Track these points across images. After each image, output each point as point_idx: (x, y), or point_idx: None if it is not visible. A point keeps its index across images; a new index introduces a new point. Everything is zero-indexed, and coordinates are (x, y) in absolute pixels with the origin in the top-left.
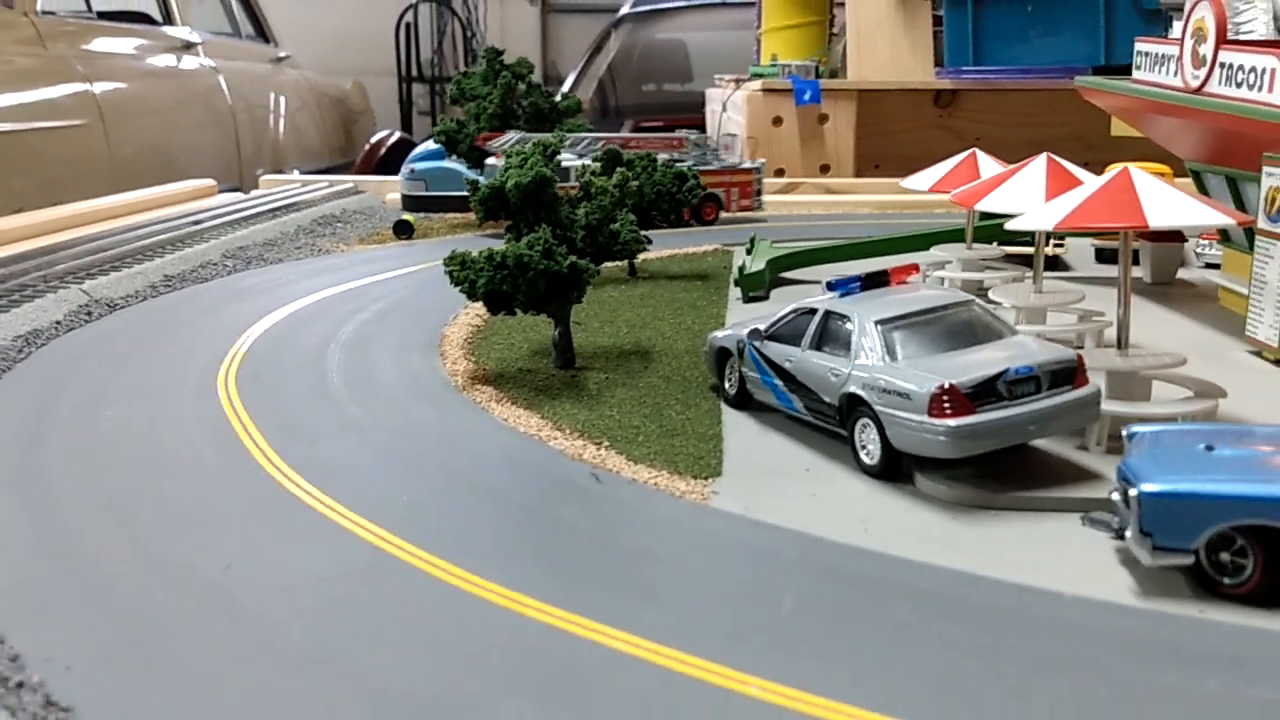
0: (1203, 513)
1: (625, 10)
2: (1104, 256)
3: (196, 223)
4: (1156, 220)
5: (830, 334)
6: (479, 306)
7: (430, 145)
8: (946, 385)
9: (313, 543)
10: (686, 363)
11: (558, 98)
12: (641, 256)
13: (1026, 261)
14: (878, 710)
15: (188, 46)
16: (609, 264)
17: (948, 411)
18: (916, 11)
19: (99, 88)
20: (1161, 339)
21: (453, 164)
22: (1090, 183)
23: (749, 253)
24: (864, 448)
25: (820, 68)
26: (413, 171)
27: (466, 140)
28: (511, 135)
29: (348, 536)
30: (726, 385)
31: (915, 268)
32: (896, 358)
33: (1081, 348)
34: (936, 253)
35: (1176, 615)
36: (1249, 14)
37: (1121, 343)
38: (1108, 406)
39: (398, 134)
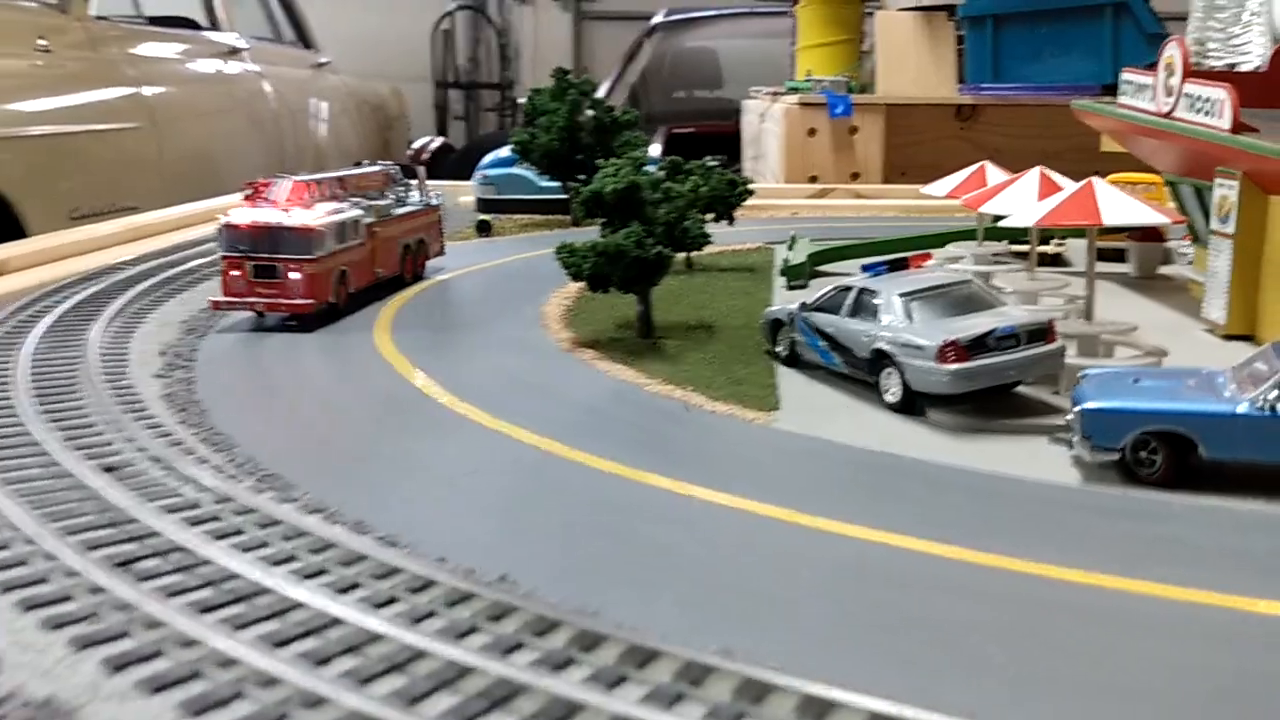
0: (1126, 422)
1: (658, 19)
2: (1102, 255)
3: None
4: (1109, 219)
5: (863, 305)
6: (564, 290)
7: (501, 153)
8: (950, 340)
9: (488, 446)
10: (744, 335)
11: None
12: (697, 252)
13: (1023, 258)
14: (897, 531)
15: (233, 52)
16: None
17: (950, 359)
18: (941, 32)
19: (150, 91)
20: (1134, 318)
21: (522, 170)
22: (1066, 190)
23: (790, 249)
24: (888, 390)
25: (851, 83)
26: (485, 177)
27: (537, 150)
28: None
29: (515, 444)
30: (779, 349)
31: (929, 255)
32: (913, 321)
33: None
34: (952, 249)
35: (1107, 492)
36: (1245, 36)
37: (1088, 314)
38: (1071, 359)
39: (440, 140)
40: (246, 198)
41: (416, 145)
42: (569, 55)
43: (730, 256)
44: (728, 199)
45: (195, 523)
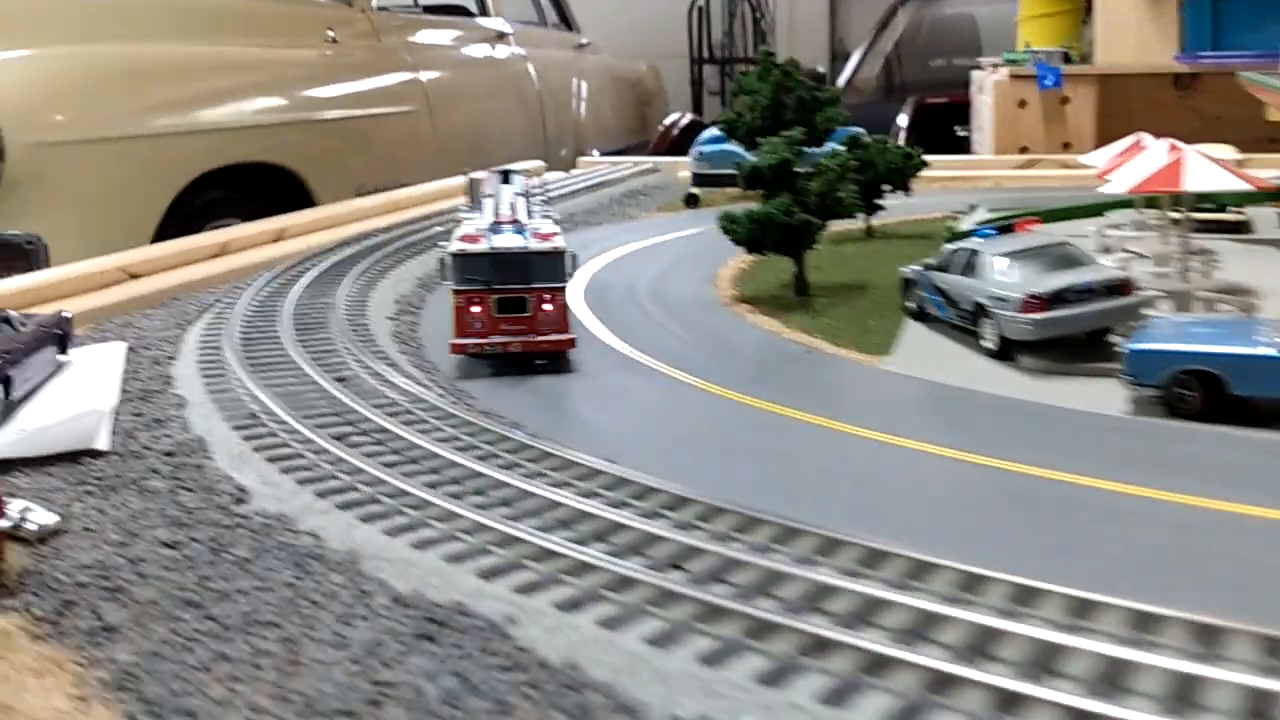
0: (1164, 361)
1: None
2: (1224, 227)
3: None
4: (1190, 186)
5: (971, 265)
6: (744, 256)
7: (713, 131)
8: (1032, 293)
9: (650, 382)
10: (890, 294)
11: (820, 92)
12: (880, 220)
13: (1206, 225)
14: (971, 451)
15: (500, 36)
16: (852, 225)
17: (1033, 309)
18: (1162, 1)
19: (425, 76)
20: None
21: (732, 147)
22: (1158, 159)
23: (966, 218)
24: (986, 338)
25: (1071, 53)
26: (700, 154)
27: (743, 128)
28: None
29: (671, 381)
30: (909, 304)
31: (1037, 220)
32: (1007, 277)
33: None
34: (1114, 216)
35: (1154, 422)
36: None
37: (1184, 275)
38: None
39: (689, 117)
40: (465, 237)
41: (666, 122)
42: (824, 26)
43: (912, 225)
44: (903, 170)
45: (392, 414)
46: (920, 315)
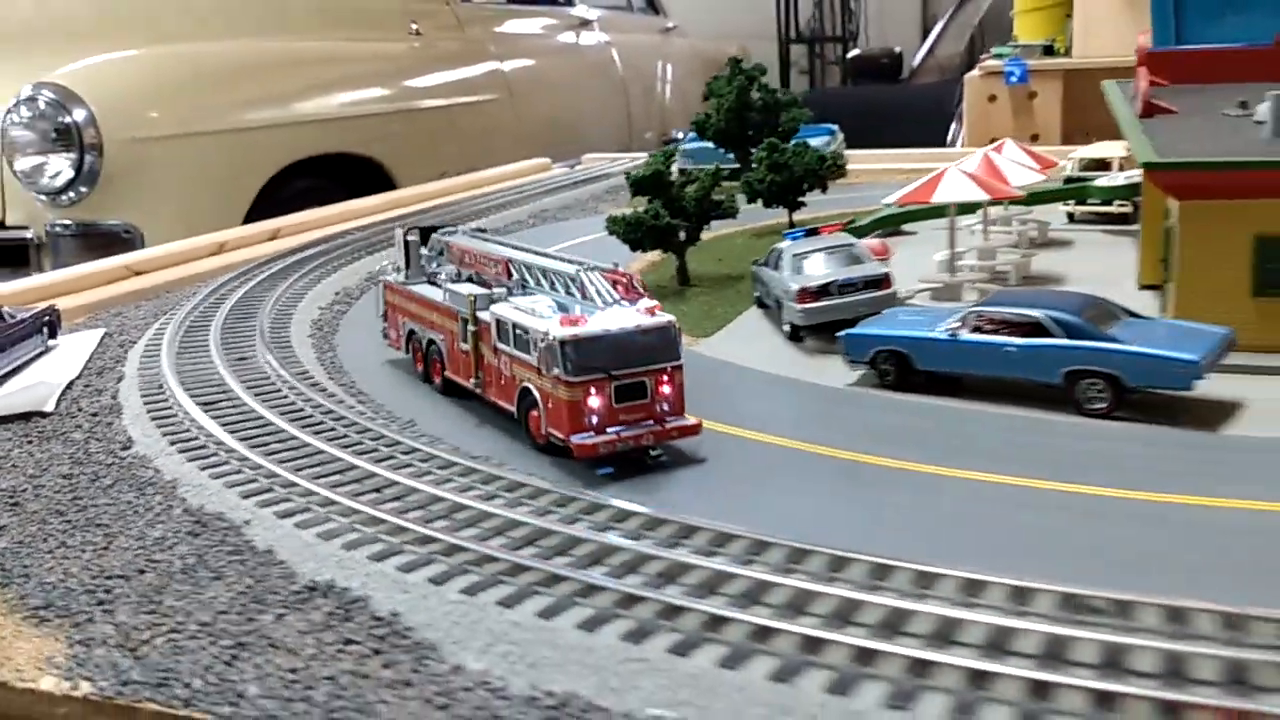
0: (868, 343)
1: None
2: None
3: (520, 191)
4: (937, 199)
5: (777, 261)
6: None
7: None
8: (804, 287)
9: None
10: None
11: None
12: (805, 214)
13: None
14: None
15: (584, 23)
16: (782, 219)
17: (805, 300)
18: None
19: (508, 66)
20: (1092, 272)
21: (708, 144)
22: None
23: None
24: (786, 323)
25: (1056, 47)
26: (684, 152)
27: (711, 129)
28: None
29: None
30: (756, 294)
31: (839, 226)
32: (795, 273)
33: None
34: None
35: (862, 391)
36: None
37: (951, 268)
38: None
39: None
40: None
41: None
42: (916, 3)
43: (832, 219)
44: (818, 172)
45: (250, 388)
46: (761, 304)
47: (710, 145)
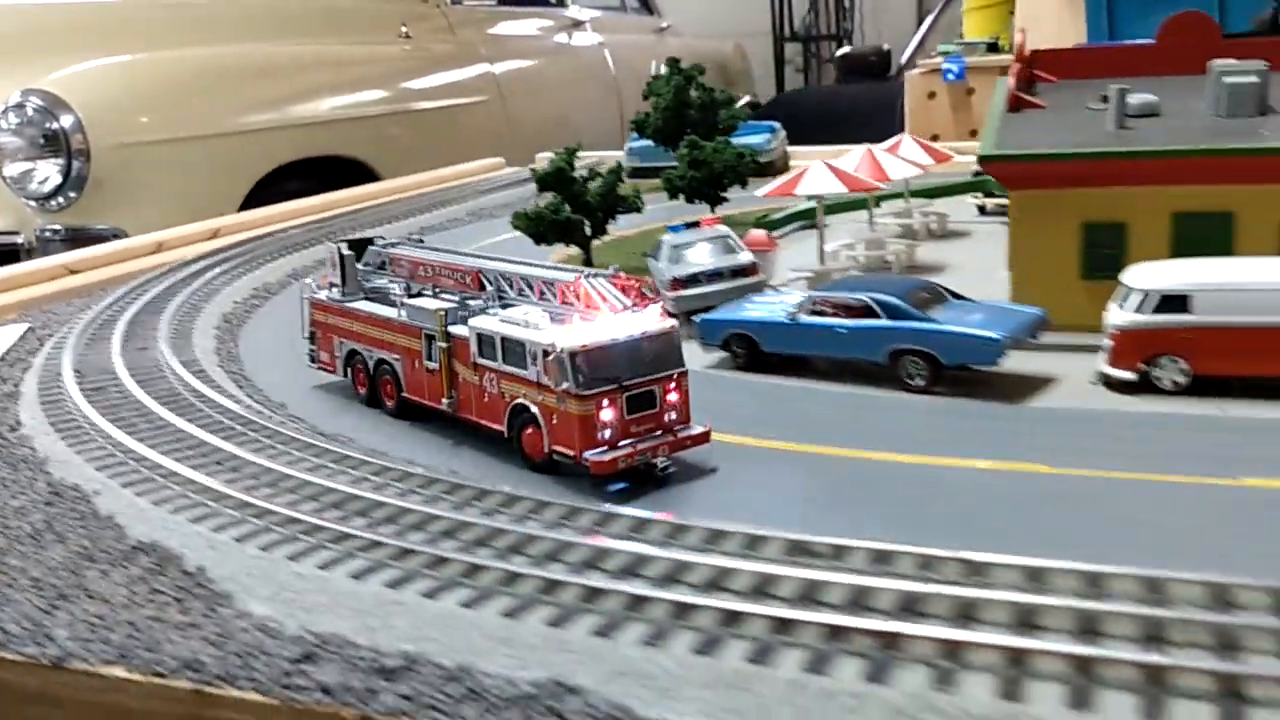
0: (719, 328)
1: None
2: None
3: (460, 191)
4: (800, 192)
5: (663, 252)
6: None
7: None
8: (674, 276)
9: None
10: None
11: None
12: (728, 210)
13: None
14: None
15: (576, 24)
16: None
17: (676, 288)
18: None
19: (498, 68)
20: (973, 260)
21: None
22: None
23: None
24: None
25: (1000, 44)
26: (630, 150)
27: (650, 127)
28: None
29: None
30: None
31: (719, 220)
32: (672, 263)
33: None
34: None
35: (716, 374)
36: None
37: (820, 258)
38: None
39: (746, 98)
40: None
41: None
42: (910, 1)
43: (750, 214)
44: (737, 168)
45: (136, 377)
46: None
47: (652, 144)
